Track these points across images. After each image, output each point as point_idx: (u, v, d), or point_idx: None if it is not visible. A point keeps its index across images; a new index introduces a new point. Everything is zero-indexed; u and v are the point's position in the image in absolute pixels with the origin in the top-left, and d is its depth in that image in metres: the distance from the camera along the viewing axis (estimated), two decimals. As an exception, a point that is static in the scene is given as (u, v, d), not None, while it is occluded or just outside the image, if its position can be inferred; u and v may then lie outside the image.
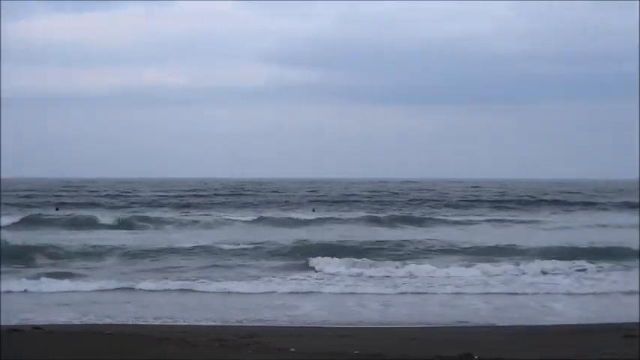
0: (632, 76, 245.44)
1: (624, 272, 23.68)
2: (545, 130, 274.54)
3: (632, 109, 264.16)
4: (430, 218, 44.30)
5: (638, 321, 15.63)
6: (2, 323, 14.55)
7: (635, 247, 28.64)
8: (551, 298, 19.88)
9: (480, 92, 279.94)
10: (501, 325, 16.10)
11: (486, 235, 35.29)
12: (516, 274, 23.64)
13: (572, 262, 25.04)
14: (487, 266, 24.62)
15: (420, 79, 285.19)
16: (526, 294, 20.60)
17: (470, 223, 41.72)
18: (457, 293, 20.52)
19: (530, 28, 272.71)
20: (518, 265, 25.07)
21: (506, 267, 24.62)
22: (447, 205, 58.19)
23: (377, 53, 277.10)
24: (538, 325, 15.77)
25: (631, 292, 20.39)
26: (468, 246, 30.13)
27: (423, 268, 24.16)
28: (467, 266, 24.78)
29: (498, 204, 59.17)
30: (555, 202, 60.63)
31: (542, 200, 63.11)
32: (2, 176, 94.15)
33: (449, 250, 29.30)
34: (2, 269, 23.82)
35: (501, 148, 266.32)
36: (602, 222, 42.50)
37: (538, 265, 24.87)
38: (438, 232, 37.13)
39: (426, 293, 20.59)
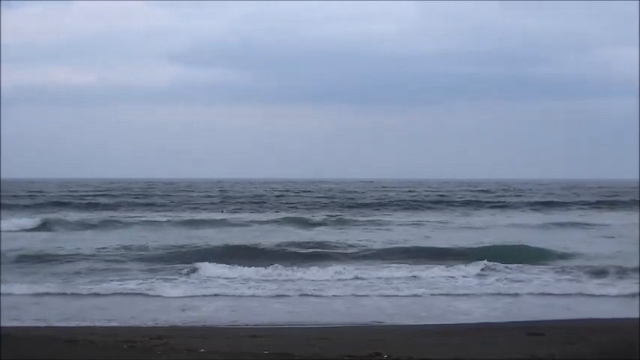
0: (544, 76, 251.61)
1: (528, 272, 24.10)
2: (453, 130, 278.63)
3: (544, 109, 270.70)
4: (341, 218, 44.17)
5: (542, 319, 16.02)
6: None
7: (532, 245, 29.41)
8: (459, 298, 20.14)
9: (385, 93, 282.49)
10: (410, 324, 16.24)
11: (395, 235, 35.51)
12: (425, 275, 23.82)
13: (482, 262, 25.41)
14: (394, 267, 24.74)
15: (325, 79, 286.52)
16: (434, 294, 20.82)
17: (381, 223, 41.76)
18: (361, 295, 20.52)
19: (436, 28, 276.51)
20: (427, 265, 25.35)
21: (414, 267, 24.80)
22: (361, 206, 58.16)
23: (283, 53, 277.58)
24: (447, 324, 15.96)
25: (534, 292, 20.81)
26: (379, 247, 30.22)
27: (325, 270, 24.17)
28: (377, 268, 24.89)
29: (410, 204, 59.23)
30: (468, 203, 61.17)
31: (453, 201, 63.71)
32: None
33: (359, 252, 29.26)
34: None
35: (407, 148, 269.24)
36: (513, 222, 42.92)
37: (448, 265, 25.22)
38: (350, 232, 37.18)
39: (310, 295, 20.48)
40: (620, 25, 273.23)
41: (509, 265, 24.75)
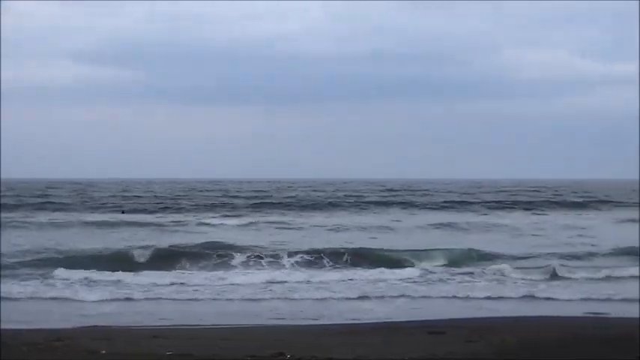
0: (450, 76, 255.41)
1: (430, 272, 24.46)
2: (359, 129, 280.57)
3: (451, 109, 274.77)
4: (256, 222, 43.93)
5: (443, 318, 16.26)
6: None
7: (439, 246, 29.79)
8: (363, 298, 20.26)
9: (290, 93, 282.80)
10: (313, 324, 16.31)
11: (297, 236, 35.53)
12: (325, 278, 23.94)
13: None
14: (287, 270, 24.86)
15: (230, 79, 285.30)
16: (334, 292, 20.90)
17: (289, 224, 41.63)
18: (264, 298, 20.45)
19: (339, 28, 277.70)
20: (332, 265, 25.48)
21: (312, 269, 24.91)
22: (268, 205, 57.85)
23: (188, 53, 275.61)
24: (350, 324, 16.06)
25: (441, 292, 21.10)
26: (281, 248, 30.18)
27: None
28: (278, 269, 24.94)
29: (322, 205, 58.93)
30: (379, 203, 61.29)
31: (362, 202, 63.58)
32: None
33: (263, 253, 29.08)
34: None
35: (313, 147, 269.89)
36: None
37: (354, 266, 25.44)
38: (256, 232, 37.03)
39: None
40: (524, 26, 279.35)
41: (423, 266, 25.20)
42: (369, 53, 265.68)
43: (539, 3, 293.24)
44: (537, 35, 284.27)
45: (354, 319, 16.85)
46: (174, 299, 20.02)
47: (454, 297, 20.18)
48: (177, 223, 41.59)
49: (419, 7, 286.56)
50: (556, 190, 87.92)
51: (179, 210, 52.61)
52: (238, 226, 40.47)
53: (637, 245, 28.80)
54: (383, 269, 24.40)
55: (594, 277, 23.35)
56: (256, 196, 70.10)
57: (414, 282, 22.60)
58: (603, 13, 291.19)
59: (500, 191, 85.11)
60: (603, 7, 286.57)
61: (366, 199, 65.59)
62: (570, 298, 19.79)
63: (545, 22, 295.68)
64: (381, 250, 29.00)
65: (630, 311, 17.63)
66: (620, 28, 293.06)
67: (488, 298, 19.96)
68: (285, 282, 22.57)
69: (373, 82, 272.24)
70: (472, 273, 24.05)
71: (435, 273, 24.20)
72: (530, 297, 20.18)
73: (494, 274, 23.68)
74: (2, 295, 19.80)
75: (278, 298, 20.20)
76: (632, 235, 34.09)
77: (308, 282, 22.57)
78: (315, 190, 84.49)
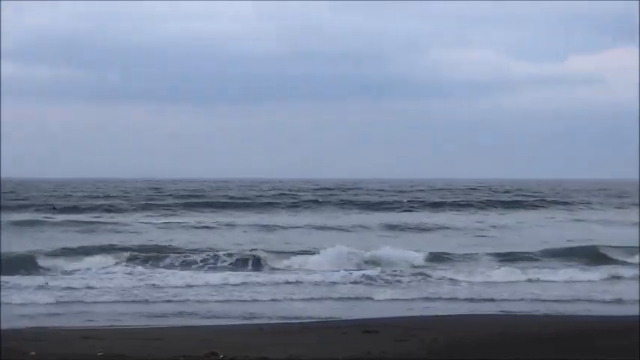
0: (379, 76, 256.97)
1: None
2: (291, 130, 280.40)
3: (380, 109, 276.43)
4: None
5: (378, 317, 16.38)
6: None
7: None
8: (297, 297, 20.32)
9: (223, 93, 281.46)
10: (246, 323, 16.28)
11: (228, 237, 35.39)
12: (260, 274, 23.94)
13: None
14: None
15: (158, 78, 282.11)
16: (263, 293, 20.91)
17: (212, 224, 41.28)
18: (199, 300, 20.35)
19: (269, 28, 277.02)
20: (267, 264, 25.49)
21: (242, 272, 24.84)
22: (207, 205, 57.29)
23: (122, 52, 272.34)
24: (284, 323, 16.10)
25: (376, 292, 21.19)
26: (211, 248, 29.97)
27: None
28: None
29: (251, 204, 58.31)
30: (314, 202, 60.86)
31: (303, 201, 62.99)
32: None
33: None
34: None
35: (245, 147, 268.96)
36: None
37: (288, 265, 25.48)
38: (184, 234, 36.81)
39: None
40: (452, 26, 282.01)
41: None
42: (300, 53, 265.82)
43: (468, 3, 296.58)
44: (465, 35, 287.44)
45: (285, 319, 16.89)
46: (95, 302, 19.73)
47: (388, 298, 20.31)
48: (109, 222, 41.10)
49: (349, 6, 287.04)
50: (491, 189, 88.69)
51: (110, 209, 51.86)
52: (166, 224, 39.99)
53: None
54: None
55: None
56: (190, 195, 69.62)
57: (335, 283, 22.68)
58: (532, 13, 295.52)
59: (437, 190, 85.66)
60: (532, 7, 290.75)
61: (303, 198, 65.23)
62: (493, 298, 19.99)
63: (473, 22, 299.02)
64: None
65: (558, 310, 18.05)
66: (549, 29, 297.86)
67: (427, 298, 20.15)
68: (214, 282, 22.43)
69: (304, 82, 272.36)
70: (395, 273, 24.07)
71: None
72: (457, 297, 20.40)
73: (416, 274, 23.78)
74: None
75: (209, 300, 20.10)
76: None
77: (243, 283, 22.48)
78: (251, 189, 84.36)
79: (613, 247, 29.16)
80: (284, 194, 70.67)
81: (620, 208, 56.35)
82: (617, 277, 23.58)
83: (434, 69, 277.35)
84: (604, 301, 19.35)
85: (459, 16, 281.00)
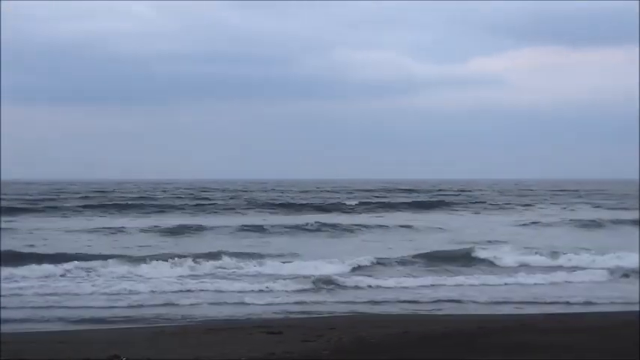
0: (283, 76, 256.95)
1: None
2: (193, 130, 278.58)
3: (285, 109, 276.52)
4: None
5: (282, 318, 16.45)
6: None
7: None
8: (202, 298, 20.24)
9: (118, 93, 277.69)
10: (150, 325, 16.17)
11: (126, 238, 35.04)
12: (162, 274, 23.77)
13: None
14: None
15: (58, 78, 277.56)
16: (166, 292, 20.83)
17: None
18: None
19: (170, 27, 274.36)
20: (171, 265, 25.29)
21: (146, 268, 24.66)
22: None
23: (14, 51, 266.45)
24: (187, 324, 16.02)
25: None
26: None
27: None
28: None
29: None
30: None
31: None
32: None
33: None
34: None
35: (143, 148, 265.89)
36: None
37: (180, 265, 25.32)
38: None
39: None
40: (355, 27, 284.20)
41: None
42: (201, 53, 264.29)
43: (370, 4, 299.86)
44: (368, 36, 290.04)
45: (189, 320, 16.83)
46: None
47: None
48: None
49: (250, 6, 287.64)
50: (411, 190, 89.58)
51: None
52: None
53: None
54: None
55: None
56: (90, 197, 68.73)
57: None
58: (433, 15, 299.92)
59: (356, 191, 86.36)
60: (436, 10, 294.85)
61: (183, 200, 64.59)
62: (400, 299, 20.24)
63: (375, 23, 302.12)
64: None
65: (451, 309, 18.43)
66: (449, 31, 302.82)
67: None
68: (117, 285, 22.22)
69: (205, 82, 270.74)
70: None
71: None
72: (369, 297, 20.59)
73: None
74: None
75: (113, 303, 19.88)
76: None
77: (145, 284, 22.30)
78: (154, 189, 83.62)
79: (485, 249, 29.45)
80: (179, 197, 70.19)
81: (527, 208, 57.55)
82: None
83: (337, 70, 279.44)
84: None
85: (363, 18, 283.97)
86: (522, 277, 23.80)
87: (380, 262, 26.11)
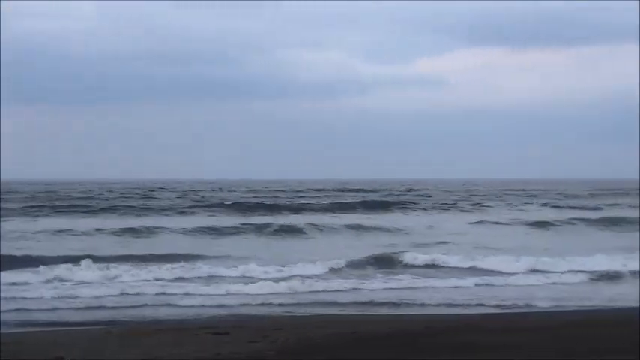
0: (226, 77, 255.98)
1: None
2: (131, 130, 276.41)
3: (229, 108, 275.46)
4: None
5: (229, 319, 16.43)
6: None
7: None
8: (150, 299, 20.17)
9: (62, 93, 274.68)
10: (94, 327, 16.04)
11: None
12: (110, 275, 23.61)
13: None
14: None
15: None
16: (113, 295, 20.71)
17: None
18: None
19: (114, 27, 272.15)
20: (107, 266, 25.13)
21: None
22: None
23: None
24: (134, 325, 15.89)
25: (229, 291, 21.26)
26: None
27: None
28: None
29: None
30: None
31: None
32: None
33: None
34: None
35: (88, 148, 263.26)
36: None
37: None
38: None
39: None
40: (302, 27, 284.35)
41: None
42: (143, 53, 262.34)
43: (317, 3, 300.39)
44: (315, 36, 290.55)
45: (137, 321, 16.75)
46: None
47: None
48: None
49: (195, 6, 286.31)
50: (362, 190, 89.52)
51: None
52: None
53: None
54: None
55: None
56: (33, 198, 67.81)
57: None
58: (380, 16, 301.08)
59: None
60: (382, 10, 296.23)
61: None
62: (354, 300, 20.32)
63: (323, 23, 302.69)
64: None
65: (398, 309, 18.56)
66: (397, 31, 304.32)
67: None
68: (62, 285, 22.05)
69: (147, 82, 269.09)
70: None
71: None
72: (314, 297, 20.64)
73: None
74: None
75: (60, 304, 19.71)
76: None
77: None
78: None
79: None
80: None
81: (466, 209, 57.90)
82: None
83: (280, 69, 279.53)
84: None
85: (308, 17, 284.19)
86: (465, 279, 24.03)
87: (332, 266, 26.02)
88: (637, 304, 18.49)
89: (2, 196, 64.68)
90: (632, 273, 24.77)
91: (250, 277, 23.54)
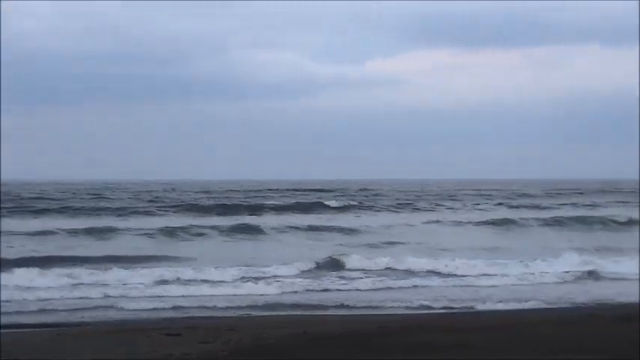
0: (182, 77, 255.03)
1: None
2: (91, 130, 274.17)
3: (183, 109, 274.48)
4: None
5: (181, 320, 16.35)
6: None
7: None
8: (103, 301, 20.06)
9: (16, 93, 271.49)
10: (44, 329, 15.87)
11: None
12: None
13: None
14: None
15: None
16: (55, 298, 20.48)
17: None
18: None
19: (69, 27, 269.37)
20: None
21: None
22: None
23: None
24: (85, 326, 15.84)
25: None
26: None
27: None
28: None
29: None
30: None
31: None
32: None
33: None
34: None
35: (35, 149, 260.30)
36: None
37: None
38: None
39: None
40: (253, 27, 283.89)
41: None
42: (96, 52, 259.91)
43: (267, 4, 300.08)
44: (266, 37, 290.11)
45: (88, 323, 16.61)
46: None
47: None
48: None
49: (149, 6, 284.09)
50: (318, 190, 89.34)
51: None
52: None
53: None
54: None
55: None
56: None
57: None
58: (335, 17, 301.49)
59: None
60: (334, 10, 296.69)
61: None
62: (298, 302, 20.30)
63: (276, 23, 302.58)
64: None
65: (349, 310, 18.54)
66: (350, 32, 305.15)
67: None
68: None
69: (108, 82, 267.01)
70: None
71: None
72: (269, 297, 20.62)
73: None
74: None
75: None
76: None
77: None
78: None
79: None
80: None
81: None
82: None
83: (236, 70, 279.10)
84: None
85: (261, 18, 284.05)
86: (420, 279, 24.15)
87: (287, 268, 25.91)
88: (580, 304, 18.83)
89: None
90: (582, 273, 25.09)
91: (204, 280, 23.46)
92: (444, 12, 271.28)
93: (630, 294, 20.31)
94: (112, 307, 19.15)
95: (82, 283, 22.55)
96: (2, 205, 54.81)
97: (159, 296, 20.80)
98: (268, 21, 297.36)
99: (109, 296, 20.81)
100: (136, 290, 21.54)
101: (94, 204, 58.13)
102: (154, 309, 18.87)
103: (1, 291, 20.41)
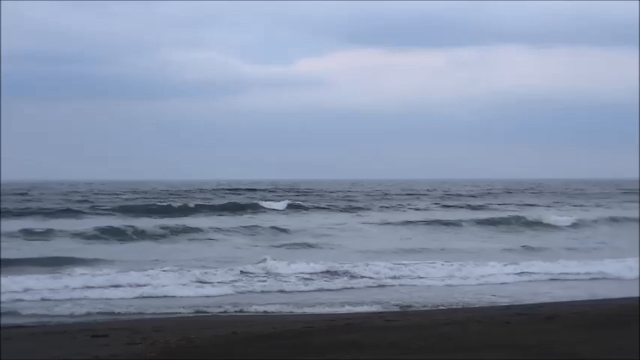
0: (106, 76, 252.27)
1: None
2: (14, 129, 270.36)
3: (94, 109, 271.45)
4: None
5: (107, 321, 16.17)
6: None
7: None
8: (25, 302, 19.76)
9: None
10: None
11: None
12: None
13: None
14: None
15: None
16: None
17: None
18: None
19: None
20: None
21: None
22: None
23: None
24: (6, 330, 15.55)
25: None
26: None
27: None
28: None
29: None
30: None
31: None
32: None
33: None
34: None
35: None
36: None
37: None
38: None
39: None
40: (177, 27, 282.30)
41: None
42: (18, 52, 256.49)
43: (191, 4, 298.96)
44: (190, 36, 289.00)
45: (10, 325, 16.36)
46: None
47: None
48: None
49: (75, 6, 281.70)
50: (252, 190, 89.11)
51: None
52: None
53: None
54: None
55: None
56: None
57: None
58: (255, 16, 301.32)
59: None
60: (262, 10, 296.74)
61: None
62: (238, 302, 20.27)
63: (197, 23, 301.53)
64: None
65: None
66: (277, 31, 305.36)
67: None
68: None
69: (37, 81, 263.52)
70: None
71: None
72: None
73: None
74: None
75: None
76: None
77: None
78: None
79: None
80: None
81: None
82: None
83: (159, 69, 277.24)
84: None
85: (188, 17, 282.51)
86: (349, 280, 24.26)
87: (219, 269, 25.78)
88: (509, 303, 19.06)
89: None
90: (508, 275, 25.43)
91: (131, 282, 23.21)
92: (373, 13, 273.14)
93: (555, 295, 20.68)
94: (38, 309, 18.91)
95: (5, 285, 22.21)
96: None
97: (83, 298, 20.58)
98: (193, 20, 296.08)
99: (32, 300, 20.55)
100: (59, 293, 21.27)
101: (19, 204, 57.26)
102: (79, 312, 18.69)
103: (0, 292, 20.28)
